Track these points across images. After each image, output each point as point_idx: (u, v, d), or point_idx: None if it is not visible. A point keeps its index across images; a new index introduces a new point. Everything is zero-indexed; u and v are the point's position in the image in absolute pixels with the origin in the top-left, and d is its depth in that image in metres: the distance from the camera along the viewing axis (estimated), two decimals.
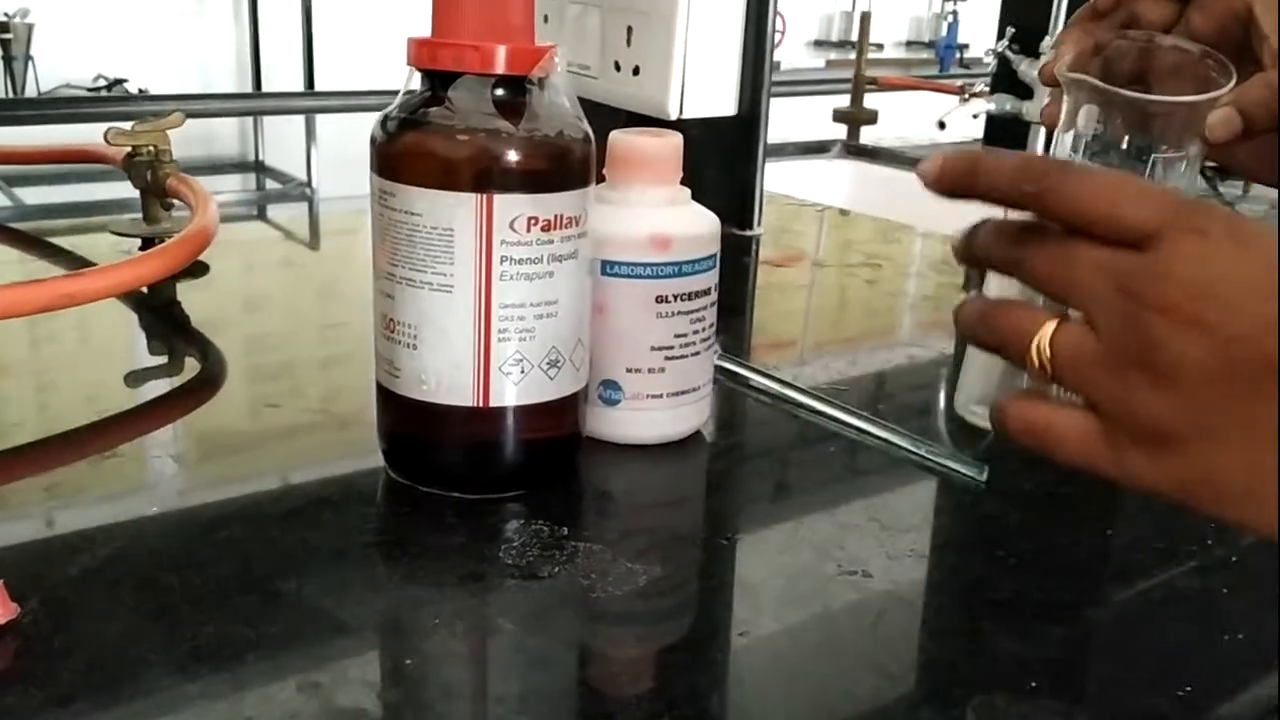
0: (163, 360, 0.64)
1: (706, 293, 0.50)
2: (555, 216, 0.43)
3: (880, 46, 4.71)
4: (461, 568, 0.41)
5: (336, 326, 0.69)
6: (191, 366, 0.62)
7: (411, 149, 0.43)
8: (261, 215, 1.21)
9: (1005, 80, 1.33)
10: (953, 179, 0.32)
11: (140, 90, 2.99)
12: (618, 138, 0.49)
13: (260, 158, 1.39)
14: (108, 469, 0.49)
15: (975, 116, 1.34)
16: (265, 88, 3.45)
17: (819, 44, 4.56)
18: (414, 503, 0.45)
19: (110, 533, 0.43)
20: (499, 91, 0.43)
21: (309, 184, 1.26)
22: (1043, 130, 1.28)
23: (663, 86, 0.87)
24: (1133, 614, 0.42)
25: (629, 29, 0.90)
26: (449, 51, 0.42)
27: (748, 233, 0.92)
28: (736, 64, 0.89)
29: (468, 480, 0.45)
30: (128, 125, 0.78)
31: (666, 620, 0.40)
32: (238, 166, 1.36)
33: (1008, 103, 1.31)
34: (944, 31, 4.56)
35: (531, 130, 0.43)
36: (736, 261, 0.87)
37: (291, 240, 1.00)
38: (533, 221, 0.43)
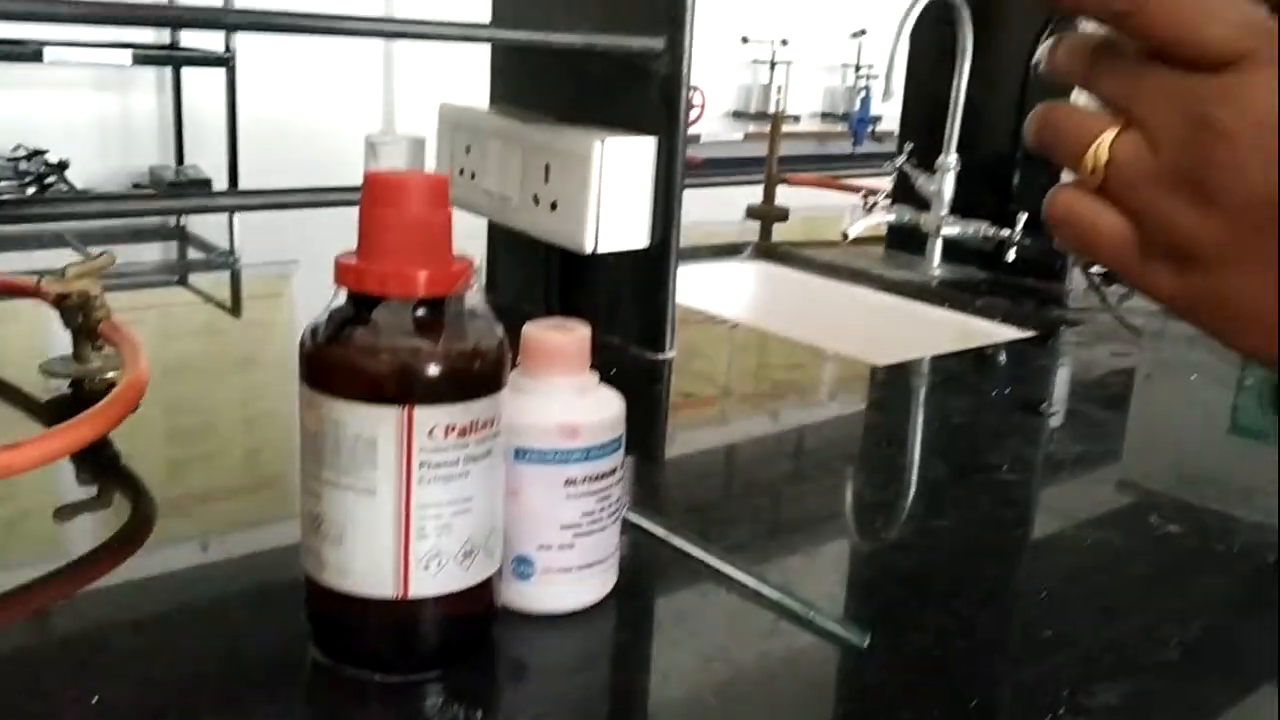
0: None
1: (613, 472, 0.54)
2: (471, 422, 0.47)
3: (797, 118, 4.86)
4: None
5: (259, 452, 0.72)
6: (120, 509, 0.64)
7: (338, 364, 0.46)
8: (183, 281, 1.24)
9: (905, 192, 1.41)
10: None
11: (60, 161, 2.98)
12: (530, 333, 0.53)
13: (182, 223, 1.42)
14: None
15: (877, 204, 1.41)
16: (187, 159, 3.45)
17: (737, 115, 4.68)
18: (339, 684, 0.48)
19: None
20: (419, 312, 0.47)
21: (231, 251, 1.29)
22: (939, 242, 1.36)
23: (579, 223, 0.92)
24: None
25: (547, 166, 0.95)
26: (374, 277, 0.46)
27: (660, 356, 0.97)
28: (648, 201, 0.94)
29: (389, 664, 0.49)
30: (60, 259, 0.81)
31: None
32: (158, 234, 1.38)
33: (907, 214, 1.38)
34: (857, 105, 4.70)
35: (449, 346, 0.46)
36: (649, 390, 0.91)
37: (212, 305, 1.03)
38: (450, 429, 0.46)
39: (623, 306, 1.00)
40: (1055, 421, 0.90)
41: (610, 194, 0.92)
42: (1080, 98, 0.36)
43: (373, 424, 0.46)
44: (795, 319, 1.32)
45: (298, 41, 3.48)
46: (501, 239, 1.11)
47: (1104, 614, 0.58)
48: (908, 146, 1.39)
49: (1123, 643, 0.55)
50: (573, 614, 0.54)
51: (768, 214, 1.71)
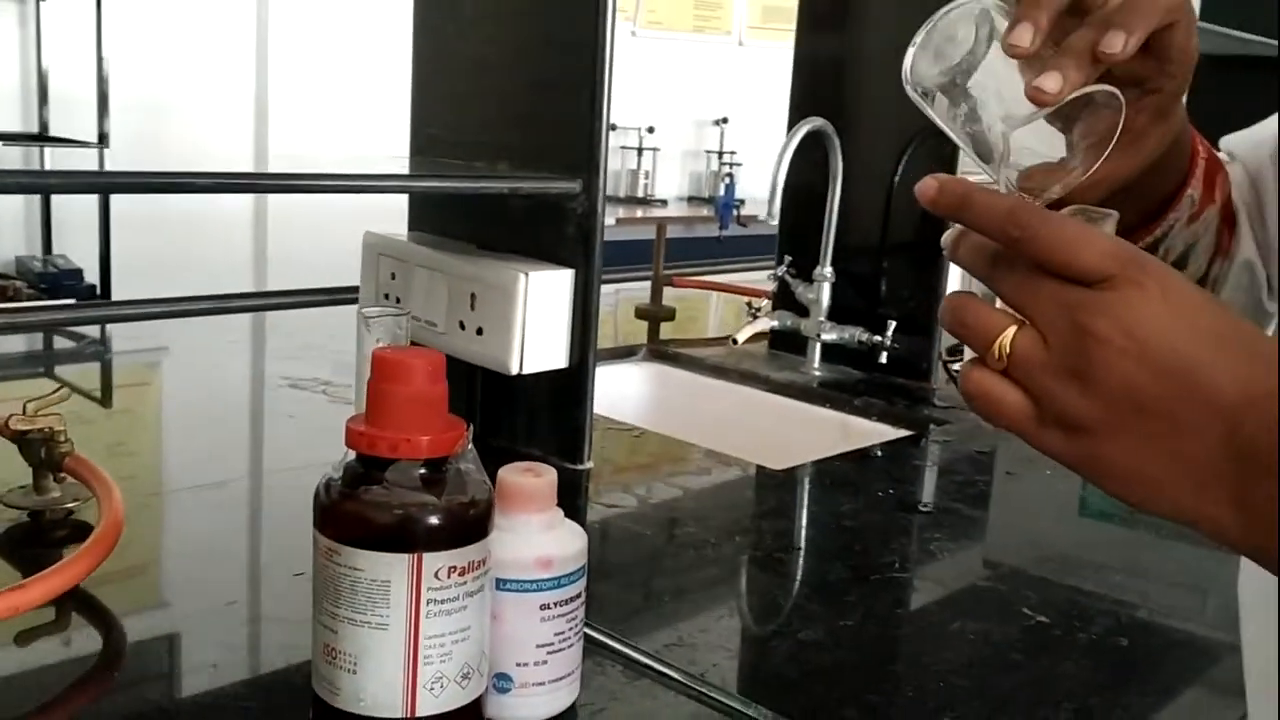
0: None
1: (579, 595, 0.62)
2: (469, 562, 0.55)
3: (664, 202, 5.04)
4: None
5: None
6: None
7: (356, 517, 0.54)
8: (49, 373, 1.28)
9: (785, 298, 1.53)
10: (947, 208, 0.43)
11: None
12: (506, 478, 0.61)
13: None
14: None
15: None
16: (55, 248, 3.40)
17: (609, 199, 4.84)
18: None
19: None
20: (423, 471, 0.54)
21: (101, 340, 1.33)
22: (819, 345, 1.48)
23: (505, 347, 1.01)
24: None
25: (473, 295, 1.03)
26: (386, 442, 0.54)
27: (580, 466, 1.05)
28: (566, 325, 1.03)
29: None
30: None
31: None
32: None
33: (789, 319, 1.51)
34: (721, 190, 4.91)
35: (450, 499, 0.54)
36: (573, 502, 0.99)
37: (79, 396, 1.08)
38: (452, 570, 0.54)
39: (541, 422, 1.08)
40: (934, 519, 1.01)
41: (534, 321, 1.01)
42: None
43: (386, 568, 0.53)
44: (689, 419, 1.42)
45: (172, 122, 3.49)
46: None
47: (991, 702, 0.69)
48: (787, 259, 1.52)
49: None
50: None
51: (656, 314, 1.82)
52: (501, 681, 0.61)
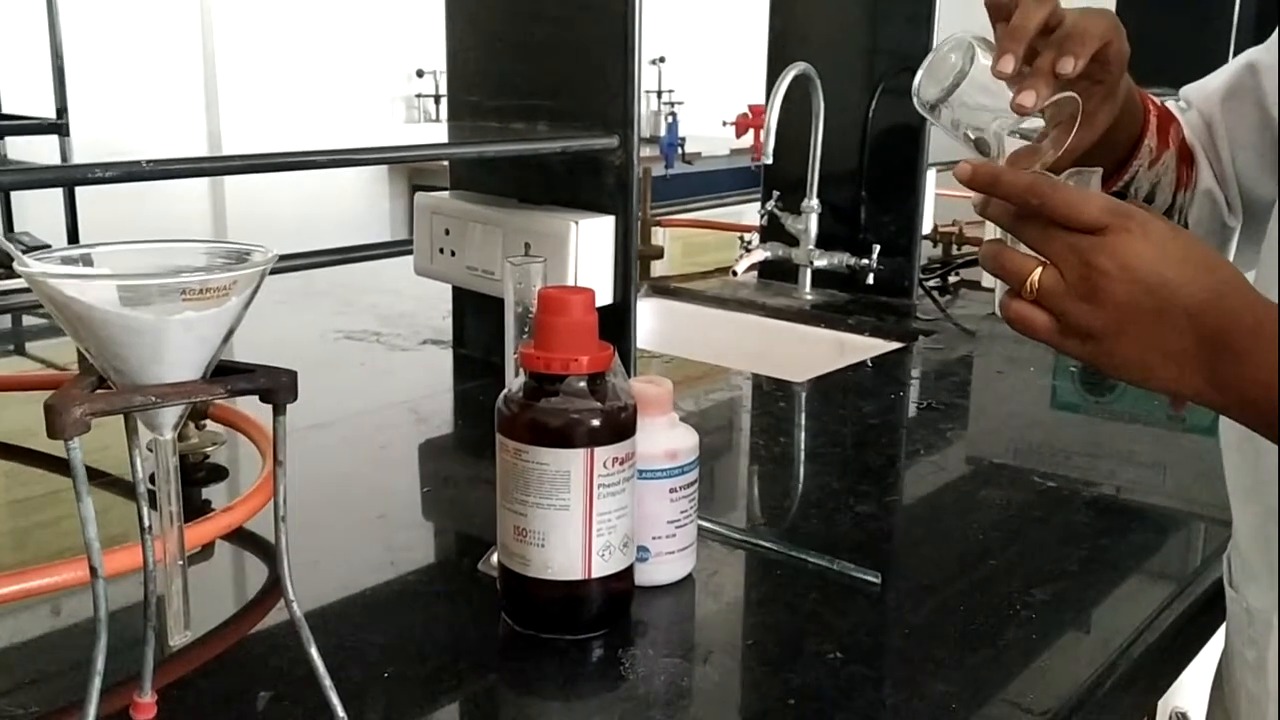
0: None
1: (695, 482, 0.77)
2: (626, 454, 0.69)
3: None
4: (588, 682, 0.66)
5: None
6: None
7: (539, 423, 0.67)
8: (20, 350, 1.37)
9: (775, 231, 1.68)
10: (981, 184, 0.58)
11: None
12: (636, 388, 0.75)
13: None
14: None
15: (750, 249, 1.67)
16: (17, 226, 3.42)
17: None
18: (538, 643, 0.69)
19: None
20: (585, 383, 0.68)
21: None
22: (809, 271, 1.63)
23: None
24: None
25: (526, 244, 1.16)
26: (558, 361, 0.67)
27: None
28: (611, 266, 1.17)
29: (576, 627, 0.70)
30: None
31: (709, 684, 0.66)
32: None
33: (780, 249, 1.65)
34: (664, 130, 5.02)
35: (610, 404, 0.68)
36: None
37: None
38: (615, 460, 0.68)
39: None
40: (943, 413, 1.17)
41: (584, 263, 1.14)
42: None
43: (567, 460, 0.67)
44: (700, 347, 1.57)
45: (130, 101, 3.52)
46: (469, 303, 1.31)
47: (1022, 547, 0.85)
48: (775, 194, 1.66)
49: (1041, 564, 0.82)
50: (673, 584, 0.77)
51: (646, 254, 1.95)
52: (642, 553, 0.75)
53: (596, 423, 0.68)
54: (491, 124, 1.23)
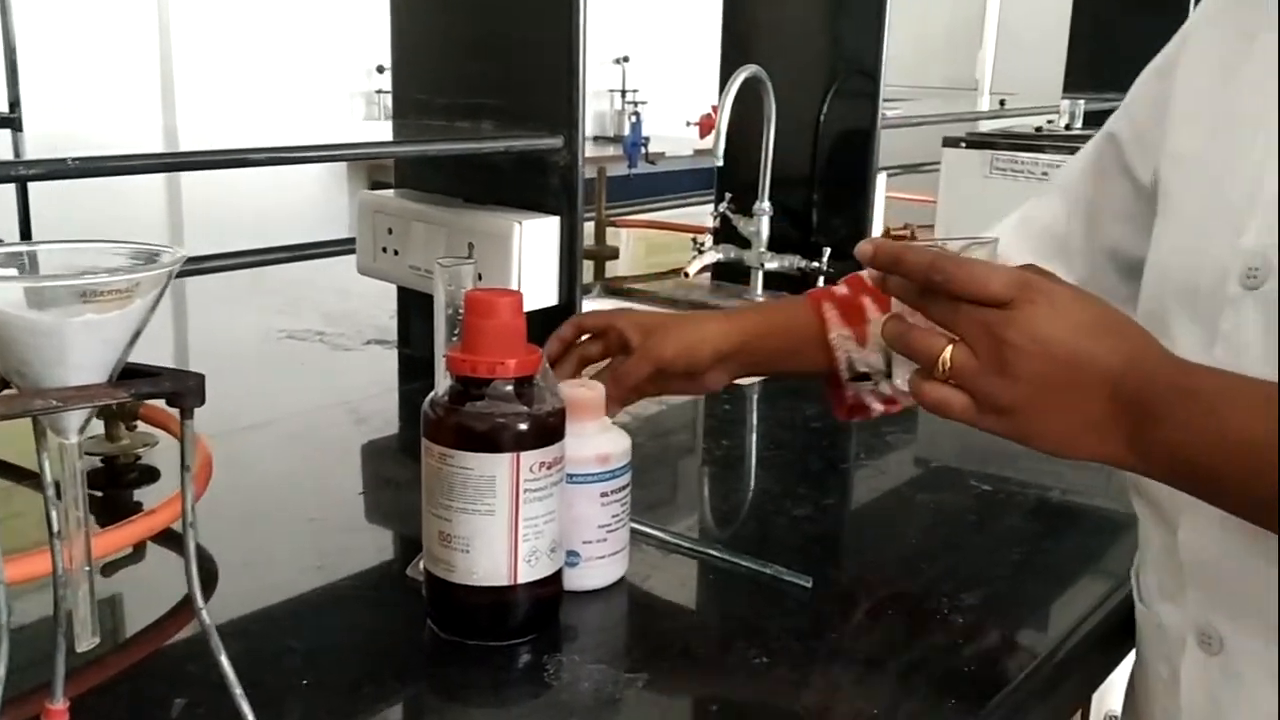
0: None
1: (627, 485, 0.76)
2: (554, 459, 0.68)
3: None
4: (511, 689, 0.65)
5: None
6: None
7: (464, 427, 0.67)
8: None
9: (727, 233, 1.68)
10: (884, 263, 0.58)
11: None
12: (566, 392, 0.75)
13: None
14: None
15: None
16: None
17: None
18: (463, 650, 0.69)
19: None
20: (512, 387, 0.67)
21: None
22: (761, 273, 1.63)
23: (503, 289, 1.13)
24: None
25: (470, 244, 1.15)
26: (485, 365, 0.67)
27: None
28: (555, 267, 1.16)
29: (501, 634, 0.69)
30: None
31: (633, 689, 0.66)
32: None
33: (732, 251, 1.65)
34: (627, 129, 5.01)
35: (537, 408, 0.68)
36: None
37: None
38: (542, 464, 0.68)
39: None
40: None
41: (528, 264, 1.13)
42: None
43: (492, 465, 0.66)
44: None
45: (86, 94, 3.48)
46: (413, 303, 1.30)
47: (959, 551, 0.85)
48: (727, 195, 1.66)
49: (976, 567, 0.82)
50: (604, 588, 0.76)
51: (600, 254, 1.94)
52: (571, 557, 0.75)
53: (523, 427, 0.67)
54: (438, 122, 1.22)
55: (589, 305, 1.73)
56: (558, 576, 0.71)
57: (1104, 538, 0.92)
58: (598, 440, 0.75)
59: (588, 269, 1.92)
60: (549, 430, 0.68)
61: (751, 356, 0.83)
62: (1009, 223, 0.84)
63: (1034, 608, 0.78)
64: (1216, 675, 0.62)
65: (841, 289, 0.83)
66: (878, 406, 0.84)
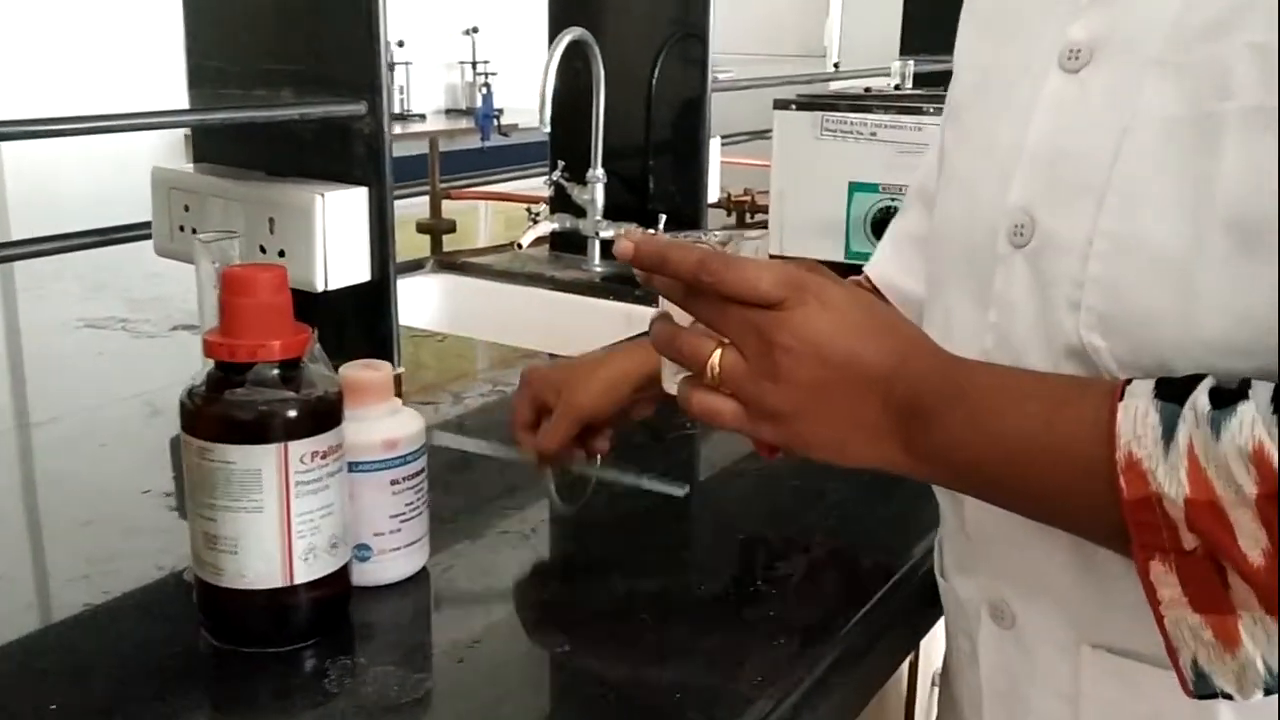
0: None
1: (422, 471, 0.71)
2: (328, 447, 0.63)
3: (423, 116, 4.99)
4: (285, 700, 0.60)
5: None
6: None
7: (224, 417, 0.61)
8: None
9: (562, 202, 1.63)
10: (647, 264, 0.52)
11: None
12: (348, 374, 0.69)
13: None
14: None
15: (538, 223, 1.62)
16: None
17: None
18: (239, 659, 0.63)
19: None
20: (278, 371, 0.62)
21: None
22: (597, 243, 1.59)
23: (309, 266, 1.07)
24: None
25: (271, 219, 1.08)
26: (244, 349, 0.61)
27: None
28: (365, 241, 1.10)
29: (280, 639, 0.64)
30: None
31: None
32: None
33: (568, 221, 1.61)
34: (479, 101, 4.91)
35: (307, 393, 0.62)
36: None
37: None
38: (314, 454, 0.62)
39: (350, 334, 1.15)
40: None
41: (334, 238, 1.07)
42: None
43: (257, 458, 0.61)
44: (484, 322, 1.51)
45: None
46: None
47: (785, 519, 0.83)
48: (560, 164, 1.61)
49: (791, 534, 0.80)
50: (401, 582, 0.71)
51: (436, 227, 1.88)
52: (362, 551, 0.69)
53: (291, 414, 0.61)
54: (234, 91, 1.15)
55: (427, 280, 1.67)
56: (343, 574, 0.66)
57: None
58: (384, 424, 0.69)
59: (424, 243, 1.85)
60: (321, 416, 0.63)
61: None
62: (883, 249, 0.80)
63: (852, 572, 0.76)
64: (1010, 649, 0.60)
65: None
66: None
